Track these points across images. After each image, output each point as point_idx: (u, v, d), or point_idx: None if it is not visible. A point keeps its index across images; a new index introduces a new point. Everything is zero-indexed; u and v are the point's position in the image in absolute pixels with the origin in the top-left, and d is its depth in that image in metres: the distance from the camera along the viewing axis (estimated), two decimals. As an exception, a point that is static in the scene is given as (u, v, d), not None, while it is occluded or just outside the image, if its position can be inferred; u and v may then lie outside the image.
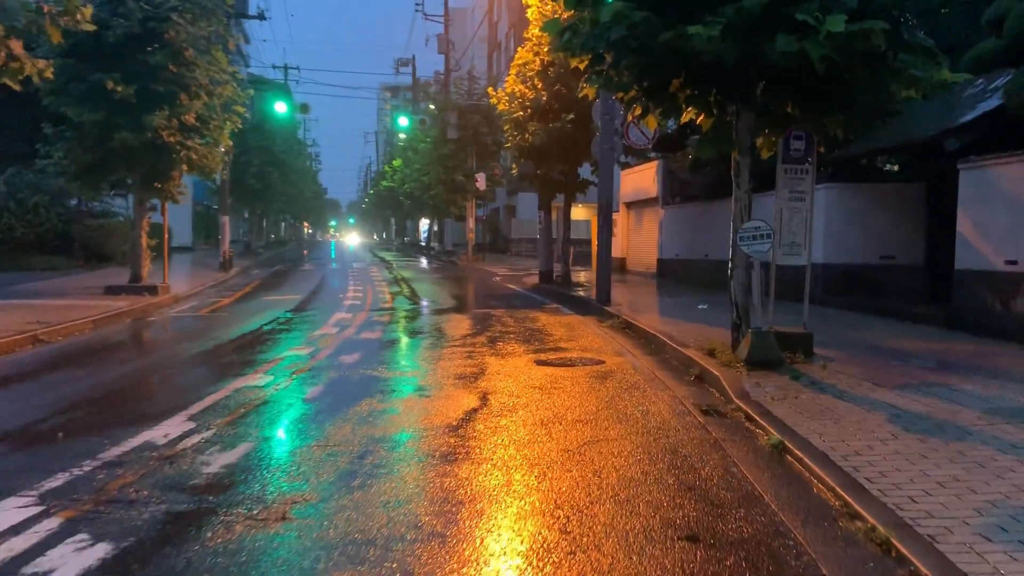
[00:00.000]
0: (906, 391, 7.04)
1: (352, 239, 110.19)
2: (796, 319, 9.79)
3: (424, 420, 6.37)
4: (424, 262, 37.04)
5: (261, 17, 28.75)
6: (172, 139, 16.08)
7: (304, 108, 29.88)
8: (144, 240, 17.27)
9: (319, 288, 20.80)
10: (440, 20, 40.76)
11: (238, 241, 47.09)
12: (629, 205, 25.25)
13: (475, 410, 6.74)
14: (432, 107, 38.11)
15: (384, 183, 63.46)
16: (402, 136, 53.13)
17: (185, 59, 16.23)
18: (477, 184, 32.72)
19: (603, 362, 9.24)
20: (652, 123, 9.52)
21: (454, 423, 6.27)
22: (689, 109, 8.81)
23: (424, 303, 16.90)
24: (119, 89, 15.26)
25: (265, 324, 13.01)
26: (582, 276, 23.36)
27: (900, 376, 7.73)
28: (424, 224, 62.00)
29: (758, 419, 6.29)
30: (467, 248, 34.77)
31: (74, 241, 26.05)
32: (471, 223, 34.96)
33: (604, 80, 8.37)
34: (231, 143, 18.47)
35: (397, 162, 54.74)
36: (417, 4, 41.03)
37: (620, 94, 8.82)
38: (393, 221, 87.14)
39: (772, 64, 7.21)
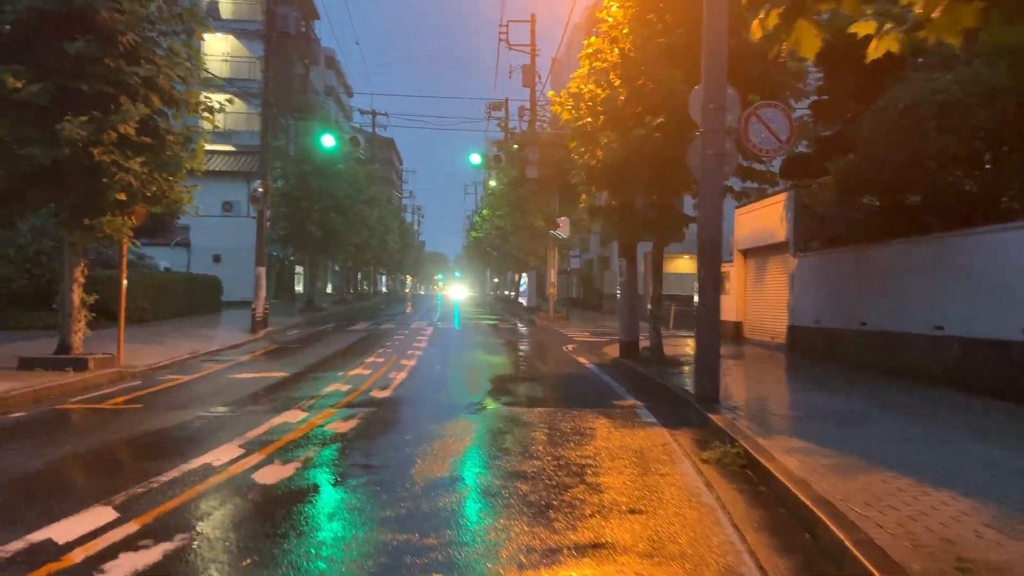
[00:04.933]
0: None
1: (457, 292, 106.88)
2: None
3: None
4: (499, 320, 31.80)
5: (308, 36, 24.71)
6: (106, 158, 11.56)
7: (354, 141, 25.65)
8: (77, 296, 12.76)
9: (329, 359, 15.84)
10: (527, 50, 36.24)
11: (298, 296, 43.31)
12: (746, 253, 19.39)
13: None
14: (514, 145, 33.39)
15: (473, 234, 59.20)
16: (491, 183, 48.86)
17: (125, 48, 11.84)
18: (559, 230, 27.47)
19: (694, 619, 3.67)
20: (810, 41, 4.06)
21: None
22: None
23: (438, 390, 11.65)
24: (19, 86, 10.94)
25: (160, 428, 8.08)
26: (687, 346, 17.57)
27: None
28: (517, 278, 57.18)
29: None
30: (548, 305, 29.40)
31: (81, 295, 22.35)
32: (552, 276, 29.58)
33: None
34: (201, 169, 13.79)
35: (485, 211, 50.35)
36: (501, 33, 36.69)
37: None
38: (488, 274, 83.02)
39: None
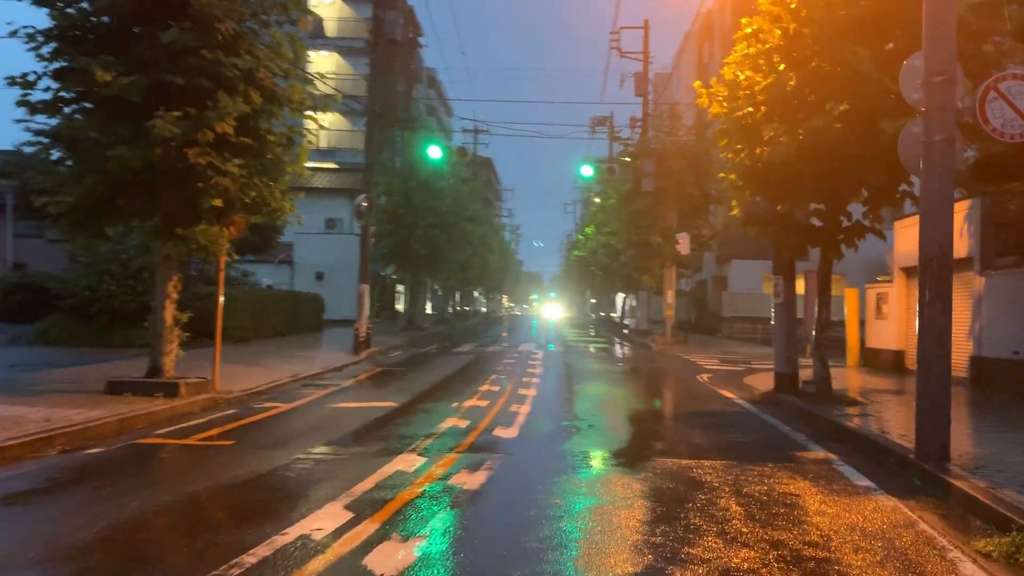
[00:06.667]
0: None
1: (553, 313, 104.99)
2: None
3: None
4: (609, 344, 29.77)
5: (415, 42, 23.59)
6: (201, 160, 10.31)
7: (462, 152, 24.34)
8: (170, 314, 11.56)
9: (440, 386, 14.28)
10: (639, 58, 34.34)
11: (395, 314, 42.33)
12: (911, 271, 16.87)
13: None
14: (627, 158, 31.51)
15: (575, 252, 57.34)
16: (596, 200, 46.99)
17: (223, 38, 10.62)
18: (679, 247, 25.35)
19: None
20: None
21: None
22: None
23: (574, 431, 9.80)
24: (108, 79, 9.81)
25: (251, 475, 6.57)
26: (851, 379, 15.26)
27: None
28: (620, 299, 54.94)
29: None
30: (665, 328, 27.23)
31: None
32: (670, 297, 27.42)
33: None
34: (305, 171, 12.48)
35: (589, 229, 48.48)
36: (612, 40, 34.86)
37: None
38: (588, 295, 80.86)
39: None
